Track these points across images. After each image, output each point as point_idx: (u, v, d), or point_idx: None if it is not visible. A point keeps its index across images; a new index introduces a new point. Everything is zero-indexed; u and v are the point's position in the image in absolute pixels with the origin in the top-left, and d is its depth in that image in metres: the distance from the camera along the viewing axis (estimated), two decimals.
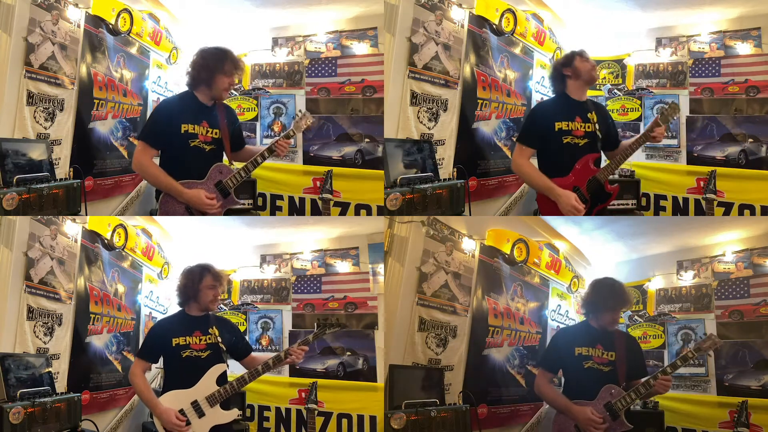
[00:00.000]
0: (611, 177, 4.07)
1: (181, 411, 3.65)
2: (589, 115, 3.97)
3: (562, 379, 4.11)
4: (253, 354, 3.99)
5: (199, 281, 3.80)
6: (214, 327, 3.82)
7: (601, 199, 3.98)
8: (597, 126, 3.97)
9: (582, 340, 3.99)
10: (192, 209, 3.82)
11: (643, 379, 3.87)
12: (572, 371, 4.00)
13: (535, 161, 4.06)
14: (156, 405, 3.65)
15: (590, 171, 3.93)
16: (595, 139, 3.98)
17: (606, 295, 4.01)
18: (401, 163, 4.40)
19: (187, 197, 3.78)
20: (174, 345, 3.71)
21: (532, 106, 4.18)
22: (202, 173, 3.83)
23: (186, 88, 3.93)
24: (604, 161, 4.09)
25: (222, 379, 3.75)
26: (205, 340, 3.76)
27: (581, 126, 3.94)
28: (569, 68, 4.00)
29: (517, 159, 4.05)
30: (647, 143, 4.10)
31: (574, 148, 3.93)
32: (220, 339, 3.79)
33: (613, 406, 3.81)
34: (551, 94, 5.21)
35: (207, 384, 3.70)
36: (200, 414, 3.66)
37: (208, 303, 3.81)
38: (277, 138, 3.95)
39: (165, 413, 3.62)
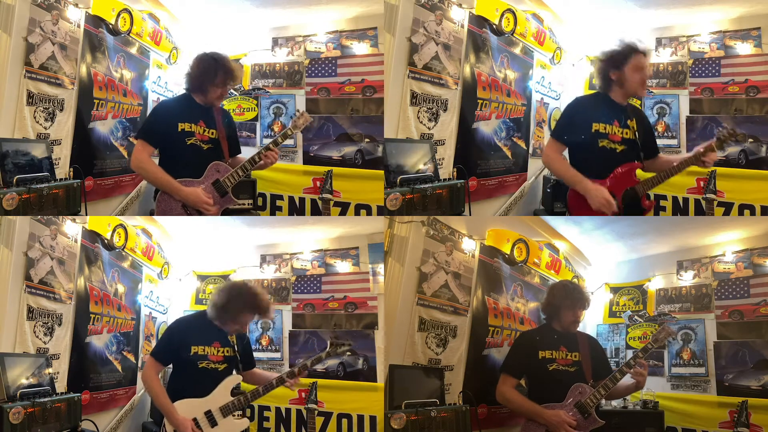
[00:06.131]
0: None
1: (194, 420, 3.64)
2: (629, 122, 3.80)
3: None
4: (254, 370, 3.99)
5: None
6: (233, 335, 3.81)
7: (633, 213, 3.87)
8: (636, 134, 3.81)
9: (545, 343, 4.04)
10: (189, 208, 3.82)
11: (609, 375, 3.90)
12: (537, 375, 4.03)
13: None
14: (172, 413, 3.61)
15: (631, 181, 3.80)
16: (635, 147, 3.81)
17: (563, 295, 4.13)
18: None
19: (185, 195, 3.78)
20: (192, 353, 3.70)
21: (570, 102, 4.02)
22: (200, 172, 3.84)
23: (185, 90, 3.96)
24: None
25: (235, 389, 3.75)
26: (224, 352, 3.75)
27: (619, 131, 3.77)
28: (617, 72, 3.77)
29: (548, 152, 3.95)
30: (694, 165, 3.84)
31: (611, 153, 3.77)
32: (237, 349, 3.79)
33: (584, 405, 3.83)
34: (553, 87, 5.29)
35: (221, 394, 3.69)
36: (213, 424, 3.66)
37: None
38: (275, 137, 3.96)
39: (183, 423, 3.59)
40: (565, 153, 3.95)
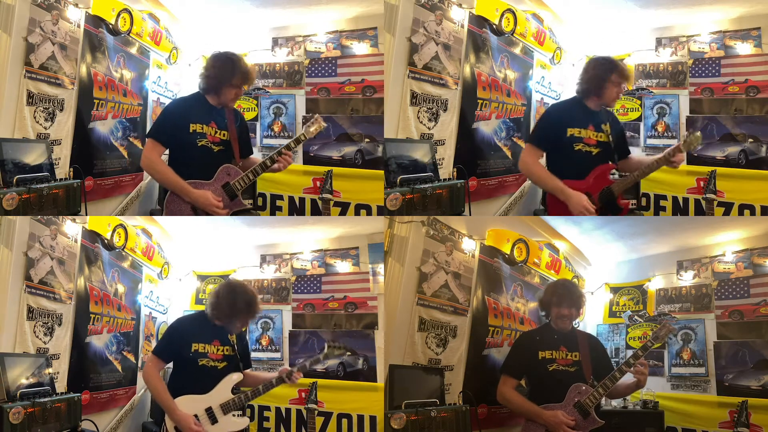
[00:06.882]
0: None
1: (195, 416, 3.64)
2: (603, 125, 3.90)
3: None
4: (248, 371, 3.97)
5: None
6: (233, 334, 3.81)
7: (611, 212, 3.93)
8: (611, 137, 3.91)
9: (545, 344, 4.05)
10: (198, 209, 3.81)
11: (609, 374, 3.89)
12: (537, 375, 4.03)
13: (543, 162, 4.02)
14: (173, 409, 3.61)
15: (606, 181, 3.89)
16: (609, 149, 3.92)
17: (551, 292, 4.19)
18: None
19: (195, 197, 3.77)
20: (193, 350, 3.69)
21: (546, 108, 4.09)
22: (210, 174, 3.82)
23: (197, 89, 3.93)
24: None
25: (236, 387, 3.75)
26: (223, 351, 3.74)
27: (594, 135, 3.87)
28: (600, 84, 3.87)
29: (525, 159, 4.01)
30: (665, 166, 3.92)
31: (586, 156, 3.87)
32: (237, 348, 3.79)
33: (583, 405, 3.83)
34: (553, 87, 5.29)
35: (222, 391, 3.69)
36: (213, 421, 3.66)
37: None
38: (289, 142, 3.91)
39: (184, 419, 3.59)
40: (542, 160, 4.00)
